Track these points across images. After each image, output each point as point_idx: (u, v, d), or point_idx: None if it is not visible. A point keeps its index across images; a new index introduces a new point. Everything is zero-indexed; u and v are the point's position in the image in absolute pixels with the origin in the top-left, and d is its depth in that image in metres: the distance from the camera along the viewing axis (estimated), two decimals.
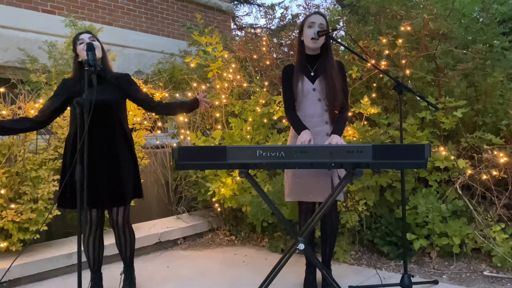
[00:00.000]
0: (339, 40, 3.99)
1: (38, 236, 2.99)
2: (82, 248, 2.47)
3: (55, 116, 2.54)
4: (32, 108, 3.29)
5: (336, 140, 2.42)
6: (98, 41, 2.54)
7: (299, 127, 2.51)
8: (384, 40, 3.54)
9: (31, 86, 3.87)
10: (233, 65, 4.22)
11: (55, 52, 4.25)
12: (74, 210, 3.19)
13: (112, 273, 3.00)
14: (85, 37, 2.48)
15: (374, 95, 3.64)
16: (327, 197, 2.43)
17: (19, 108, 3.25)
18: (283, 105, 2.74)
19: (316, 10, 2.71)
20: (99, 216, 2.50)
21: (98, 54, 2.45)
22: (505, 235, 2.93)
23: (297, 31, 2.74)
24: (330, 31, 2.49)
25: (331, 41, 2.62)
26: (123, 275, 2.69)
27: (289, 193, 2.64)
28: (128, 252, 2.66)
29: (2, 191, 2.97)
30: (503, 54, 3.86)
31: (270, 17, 4.95)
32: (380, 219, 3.38)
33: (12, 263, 2.56)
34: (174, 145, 4.35)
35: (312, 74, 2.58)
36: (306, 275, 2.73)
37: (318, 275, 2.74)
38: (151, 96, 2.84)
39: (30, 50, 4.38)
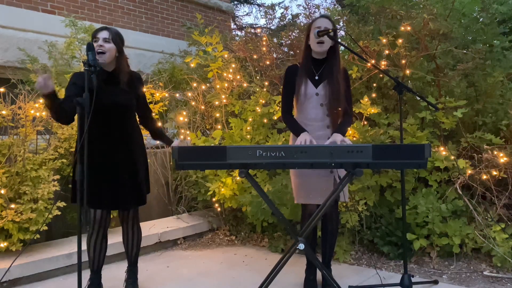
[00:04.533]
0: (339, 40, 3.99)
1: (38, 236, 2.98)
2: (85, 248, 2.48)
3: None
4: (32, 108, 3.29)
5: (340, 138, 2.42)
6: (116, 41, 2.43)
7: (297, 129, 2.51)
8: (384, 40, 3.54)
9: (31, 86, 3.86)
10: (233, 65, 4.22)
11: (55, 52, 4.25)
12: (75, 210, 3.18)
13: (112, 273, 3.00)
14: (101, 36, 2.39)
15: (374, 95, 3.64)
16: (327, 196, 2.43)
17: (19, 108, 3.25)
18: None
19: (323, 13, 2.71)
20: (103, 216, 2.48)
21: (108, 57, 2.39)
22: (505, 235, 2.93)
23: (298, 31, 2.74)
24: (330, 31, 2.48)
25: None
26: (126, 274, 2.70)
27: (298, 194, 2.63)
28: (134, 249, 2.67)
29: (2, 191, 2.97)
30: (503, 54, 3.86)
31: (270, 17, 4.95)
32: (380, 219, 3.38)
33: (12, 263, 2.56)
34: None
35: (317, 78, 2.56)
36: (306, 275, 2.74)
37: (318, 275, 2.74)
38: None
39: (30, 50, 4.38)
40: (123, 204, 2.54)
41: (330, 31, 2.46)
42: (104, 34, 2.40)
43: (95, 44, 2.36)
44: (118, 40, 2.45)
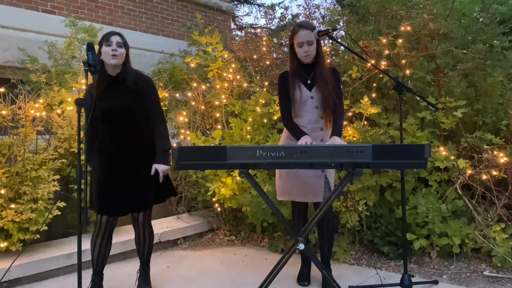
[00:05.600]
0: (339, 40, 3.99)
1: (38, 236, 2.98)
2: (85, 248, 2.47)
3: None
4: (32, 108, 3.29)
5: (338, 141, 2.45)
6: (126, 46, 2.46)
7: (298, 132, 2.55)
8: (384, 40, 3.54)
9: (31, 86, 3.87)
10: (233, 65, 4.22)
11: (55, 52, 4.25)
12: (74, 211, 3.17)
13: (112, 273, 3.01)
14: (114, 40, 2.40)
15: (374, 95, 3.64)
16: (326, 198, 2.44)
17: (19, 108, 3.25)
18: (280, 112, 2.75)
19: (300, 23, 2.66)
20: (110, 219, 2.48)
21: (120, 61, 2.41)
22: (505, 235, 2.93)
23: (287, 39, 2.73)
24: (330, 31, 2.50)
25: (331, 40, 2.64)
26: (138, 273, 2.71)
27: (282, 192, 2.69)
28: (145, 251, 2.67)
29: (2, 191, 2.97)
30: (503, 54, 3.86)
31: (270, 17, 4.95)
32: (380, 219, 3.38)
33: (12, 263, 2.57)
34: (174, 145, 4.35)
35: (309, 82, 2.62)
36: (300, 268, 2.81)
37: (313, 270, 2.75)
38: (162, 118, 2.62)
39: (30, 50, 4.38)
40: (120, 211, 2.50)
41: (330, 31, 2.50)
42: (117, 38, 2.42)
43: (108, 48, 2.38)
44: (127, 45, 2.49)
